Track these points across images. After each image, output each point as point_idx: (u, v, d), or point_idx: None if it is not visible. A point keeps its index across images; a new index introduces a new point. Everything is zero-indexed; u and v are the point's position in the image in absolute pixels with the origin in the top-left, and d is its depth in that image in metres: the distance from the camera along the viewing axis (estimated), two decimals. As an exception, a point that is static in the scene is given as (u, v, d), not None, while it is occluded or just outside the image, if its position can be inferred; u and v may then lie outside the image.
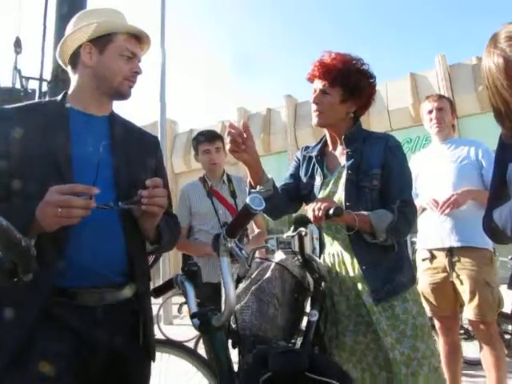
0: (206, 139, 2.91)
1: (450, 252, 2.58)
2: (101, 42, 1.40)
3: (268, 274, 1.64)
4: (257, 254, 1.92)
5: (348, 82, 1.78)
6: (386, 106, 14.89)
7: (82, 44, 1.40)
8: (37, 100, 3.37)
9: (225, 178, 2.95)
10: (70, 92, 1.46)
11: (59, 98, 1.47)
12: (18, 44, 3.82)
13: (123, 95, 1.46)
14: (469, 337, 3.94)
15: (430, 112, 2.80)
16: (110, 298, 1.31)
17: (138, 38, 1.47)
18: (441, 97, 2.89)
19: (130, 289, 1.37)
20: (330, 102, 1.81)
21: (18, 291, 1.09)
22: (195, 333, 5.29)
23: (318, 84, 1.83)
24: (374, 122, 13.95)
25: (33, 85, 3.68)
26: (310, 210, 1.64)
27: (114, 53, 1.41)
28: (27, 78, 3.70)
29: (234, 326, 1.53)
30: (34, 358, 1.16)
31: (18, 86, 3.70)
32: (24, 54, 3.95)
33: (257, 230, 3.06)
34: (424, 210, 2.72)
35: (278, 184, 1.93)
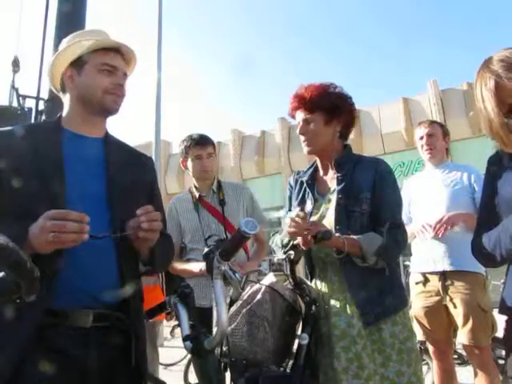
0: (197, 143, 2.60)
1: (444, 276, 2.58)
2: (78, 63, 1.43)
3: (258, 297, 1.63)
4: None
5: (326, 104, 1.84)
6: (379, 129, 15.05)
7: (65, 69, 1.44)
8: (32, 122, 3.38)
9: (214, 186, 2.66)
10: (63, 114, 1.48)
11: (54, 120, 1.49)
12: (15, 63, 3.85)
13: (109, 110, 1.45)
14: (463, 362, 3.91)
15: (422, 138, 2.85)
16: (101, 319, 1.29)
17: (119, 51, 1.47)
18: (432, 122, 2.94)
19: (122, 310, 1.35)
20: (315, 127, 1.85)
21: (11, 312, 1.07)
22: (183, 355, 5.23)
23: (300, 115, 1.89)
24: (367, 145, 14.06)
25: (29, 103, 3.70)
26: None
27: (92, 70, 1.42)
28: (24, 97, 3.71)
29: (225, 348, 1.51)
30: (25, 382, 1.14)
31: (14, 104, 3.71)
32: (21, 72, 3.98)
33: (255, 244, 2.76)
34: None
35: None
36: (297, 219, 1.62)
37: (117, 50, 1.46)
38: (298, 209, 1.70)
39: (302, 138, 1.89)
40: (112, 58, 1.44)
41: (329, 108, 1.85)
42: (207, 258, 1.35)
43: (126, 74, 1.49)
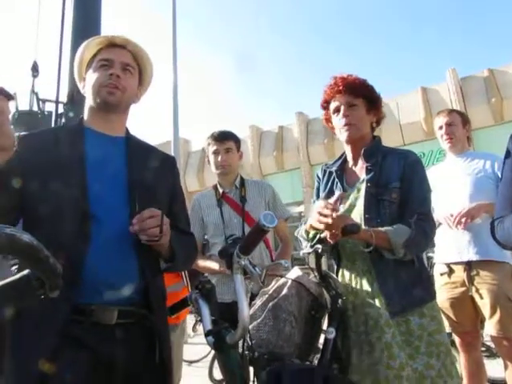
0: (214, 139, 2.69)
1: (469, 266, 2.54)
2: (87, 70, 1.51)
3: (285, 291, 1.63)
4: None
5: (368, 93, 1.87)
6: (397, 120, 14.86)
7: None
8: (56, 125, 3.45)
9: (237, 182, 2.71)
10: (85, 117, 1.52)
11: (77, 121, 1.54)
12: (35, 68, 3.91)
13: (107, 103, 1.45)
14: (491, 354, 3.83)
15: (441, 128, 2.80)
16: (126, 316, 1.30)
17: (117, 45, 1.50)
18: (451, 111, 2.89)
19: (145, 307, 1.36)
20: (359, 112, 1.85)
21: (38, 310, 1.09)
22: (206, 351, 5.26)
23: (342, 99, 1.86)
24: (386, 136, 13.73)
25: (49, 107, 3.76)
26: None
27: (93, 68, 1.47)
28: (44, 101, 3.78)
29: (250, 343, 1.51)
30: (54, 381, 1.16)
31: (35, 108, 3.78)
32: (40, 76, 4.04)
33: (280, 244, 2.79)
34: (440, 224, 2.68)
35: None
36: (325, 211, 1.59)
37: (113, 44, 1.49)
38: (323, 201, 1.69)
39: (344, 120, 1.84)
40: (107, 52, 1.48)
41: (370, 97, 1.87)
42: (222, 254, 1.35)
43: (127, 65, 1.49)
